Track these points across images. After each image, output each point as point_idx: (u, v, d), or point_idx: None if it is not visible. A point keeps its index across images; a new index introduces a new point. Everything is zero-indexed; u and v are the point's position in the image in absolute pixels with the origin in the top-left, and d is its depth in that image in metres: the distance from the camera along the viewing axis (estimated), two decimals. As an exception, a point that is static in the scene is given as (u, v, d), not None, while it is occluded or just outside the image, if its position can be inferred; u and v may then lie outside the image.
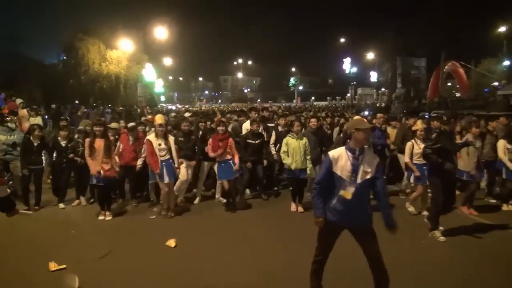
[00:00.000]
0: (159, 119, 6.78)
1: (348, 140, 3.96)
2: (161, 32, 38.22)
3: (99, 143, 6.60)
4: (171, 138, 6.81)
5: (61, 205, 7.47)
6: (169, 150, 6.66)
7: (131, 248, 5.41)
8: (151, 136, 6.64)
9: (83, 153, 6.94)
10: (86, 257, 5.01)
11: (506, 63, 37.29)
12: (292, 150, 6.97)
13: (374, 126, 7.31)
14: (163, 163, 6.54)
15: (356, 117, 3.36)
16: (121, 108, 27.05)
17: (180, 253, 5.20)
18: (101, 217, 6.76)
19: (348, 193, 3.42)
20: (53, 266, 4.62)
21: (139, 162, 7.37)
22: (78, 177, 7.59)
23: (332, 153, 3.56)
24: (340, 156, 3.49)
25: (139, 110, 24.66)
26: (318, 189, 3.59)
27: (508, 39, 32.72)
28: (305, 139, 7.14)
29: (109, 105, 28.08)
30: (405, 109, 30.74)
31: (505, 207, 7.28)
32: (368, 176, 3.44)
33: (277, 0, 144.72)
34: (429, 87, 43.10)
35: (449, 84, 50.80)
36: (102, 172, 6.51)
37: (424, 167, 6.52)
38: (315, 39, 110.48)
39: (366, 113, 27.67)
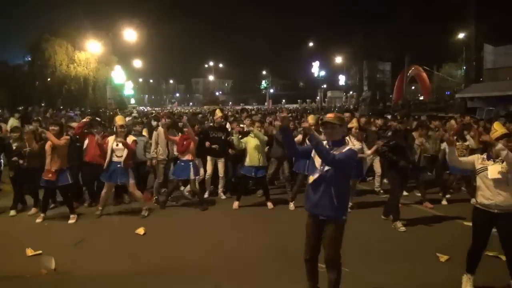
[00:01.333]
0: (119, 120, 6.77)
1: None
2: (130, 34, 37.83)
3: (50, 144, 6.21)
4: (130, 138, 6.64)
5: (12, 212, 6.78)
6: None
7: (103, 236, 5.82)
8: (111, 137, 6.65)
9: (29, 153, 6.65)
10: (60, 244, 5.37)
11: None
12: (250, 149, 7.13)
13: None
14: (118, 165, 6.42)
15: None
16: (89, 110, 26.76)
17: (148, 239, 5.68)
18: (38, 220, 6.35)
19: (312, 178, 3.48)
20: (29, 252, 4.97)
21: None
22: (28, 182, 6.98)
23: None
24: None
25: (110, 113, 24.49)
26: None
27: (466, 45, 34.46)
28: (265, 138, 7.35)
29: (77, 108, 27.68)
30: (371, 111, 31.96)
31: (444, 201, 7.61)
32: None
33: (248, 4, 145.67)
34: (394, 90, 44.79)
35: (413, 87, 52.93)
36: (46, 173, 6.16)
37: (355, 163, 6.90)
38: (286, 43, 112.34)
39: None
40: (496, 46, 32.70)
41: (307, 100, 61.45)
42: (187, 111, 37.37)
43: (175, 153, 7.49)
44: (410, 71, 43.85)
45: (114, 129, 6.86)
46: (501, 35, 32.33)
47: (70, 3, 60.85)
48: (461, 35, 35.13)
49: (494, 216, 3.86)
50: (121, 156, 6.40)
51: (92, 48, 35.15)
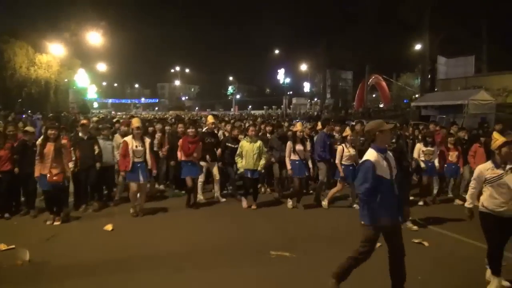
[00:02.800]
0: (136, 122, 7.13)
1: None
2: (94, 37, 37.36)
3: (50, 147, 6.36)
4: (147, 141, 7.12)
5: None
6: (144, 152, 6.96)
7: (75, 232, 6.23)
8: (128, 138, 6.94)
9: None
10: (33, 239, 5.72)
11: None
12: (246, 153, 7.62)
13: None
14: (138, 165, 6.83)
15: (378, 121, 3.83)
16: (51, 114, 26.19)
17: (118, 234, 6.12)
18: (48, 222, 6.52)
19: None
20: (2, 246, 5.29)
21: (71, 166, 7.10)
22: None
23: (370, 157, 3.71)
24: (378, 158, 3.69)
25: (73, 117, 24.09)
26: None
27: (421, 57, 36.44)
28: (259, 142, 7.82)
29: (38, 112, 26.97)
30: (333, 118, 33.14)
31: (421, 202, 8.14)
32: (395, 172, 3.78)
33: (215, 9, 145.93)
34: (355, 98, 46.47)
35: (374, 95, 55.09)
36: (50, 176, 6.27)
37: (351, 167, 7.47)
38: (253, 49, 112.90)
39: (297, 121, 29.57)
40: (448, 58, 34.88)
41: (273, 107, 62.41)
42: (151, 116, 37.20)
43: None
44: (370, 80, 45.75)
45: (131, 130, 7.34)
46: (453, 48, 34.59)
47: (30, 5, 58.92)
48: (417, 47, 37.14)
49: (504, 220, 4.05)
50: (140, 157, 6.89)
51: (54, 51, 34.41)
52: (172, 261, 4.96)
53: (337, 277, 3.80)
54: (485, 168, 4.21)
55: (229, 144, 8.46)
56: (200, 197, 8.21)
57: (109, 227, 6.24)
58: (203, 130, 9.13)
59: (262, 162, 7.74)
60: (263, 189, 9.35)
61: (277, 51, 54.69)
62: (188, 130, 7.86)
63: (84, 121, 8.22)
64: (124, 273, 4.64)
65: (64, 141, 6.73)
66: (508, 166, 4.04)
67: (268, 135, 9.86)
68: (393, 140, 6.62)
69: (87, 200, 7.60)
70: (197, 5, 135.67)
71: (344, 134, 7.83)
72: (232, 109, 66.43)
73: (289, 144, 7.78)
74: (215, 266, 4.88)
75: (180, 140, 7.82)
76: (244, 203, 7.77)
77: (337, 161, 7.64)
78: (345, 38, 40.56)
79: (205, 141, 8.17)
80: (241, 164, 7.67)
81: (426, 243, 5.67)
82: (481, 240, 4.53)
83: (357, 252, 3.73)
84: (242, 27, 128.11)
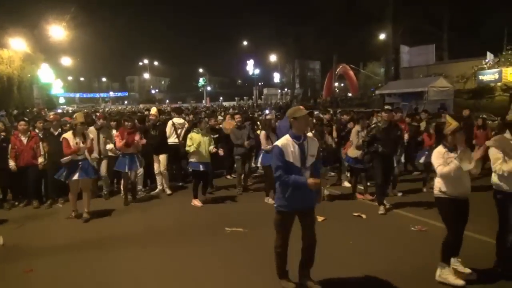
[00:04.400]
0: (79, 117, 6.71)
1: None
2: (57, 31, 36.31)
3: None
4: (90, 137, 6.86)
5: None
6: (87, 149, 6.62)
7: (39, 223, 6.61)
8: (67, 134, 6.50)
9: None
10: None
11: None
12: (197, 145, 7.23)
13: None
14: (80, 163, 6.47)
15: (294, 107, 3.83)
16: (16, 111, 25.59)
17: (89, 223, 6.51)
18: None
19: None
20: None
21: (41, 160, 7.44)
22: None
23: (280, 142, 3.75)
24: (287, 144, 3.71)
25: (36, 113, 23.63)
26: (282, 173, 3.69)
27: (385, 46, 37.54)
28: (209, 136, 7.57)
29: (2, 109, 26.21)
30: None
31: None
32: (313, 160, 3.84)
33: (183, 2, 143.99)
34: (324, 87, 47.37)
35: (342, 84, 56.29)
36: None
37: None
38: (222, 41, 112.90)
39: (267, 111, 30.05)
40: (411, 47, 36.14)
41: (245, 98, 62.71)
42: (120, 109, 36.83)
43: (110, 153, 8.00)
44: (338, 69, 46.72)
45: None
46: (415, 37, 35.87)
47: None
48: (381, 36, 38.23)
49: (461, 203, 4.05)
50: (81, 154, 6.57)
51: (15, 46, 33.29)
52: (139, 242, 5.54)
53: (278, 275, 3.98)
54: (441, 153, 4.13)
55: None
56: (168, 190, 8.36)
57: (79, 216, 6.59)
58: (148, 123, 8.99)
59: (211, 147, 7.45)
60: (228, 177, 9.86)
61: (245, 43, 54.84)
62: (126, 123, 7.69)
63: (54, 116, 8.26)
64: (94, 250, 5.24)
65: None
66: (459, 150, 4.04)
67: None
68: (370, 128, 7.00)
69: (54, 196, 7.68)
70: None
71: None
72: (203, 101, 66.23)
73: (263, 133, 7.60)
74: (175, 244, 5.44)
75: (118, 131, 7.75)
76: (197, 202, 7.43)
77: None
78: (312, 28, 41.25)
79: (149, 134, 8.21)
80: (192, 150, 7.25)
81: (364, 216, 6.44)
82: (432, 217, 5.20)
83: (274, 245, 3.90)
84: (211, 19, 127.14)
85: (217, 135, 8.56)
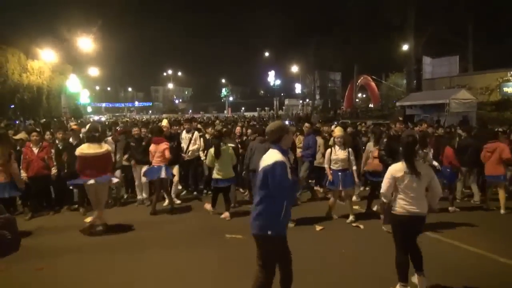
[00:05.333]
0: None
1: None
2: (86, 42, 37.77)
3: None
4: (106, 147, 6.51)
5: None
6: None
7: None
8: (84, 146, 6.33)
9: None
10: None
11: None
12: (218, 160, 7.14)
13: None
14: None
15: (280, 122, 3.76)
16: (43, 120, 26.62)
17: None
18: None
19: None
20: None
21: (54, 171, 7.63)
22: None
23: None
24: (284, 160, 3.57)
25: (66, 122, 24.49)
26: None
27: (407, 57, 37.11)
28: (230, 149, 7.33)
29: (30, 117, 27.32)
30: (322, 118, 33.79)
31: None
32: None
33: (207, 13, 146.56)
34: (345, 98, 47.11)
35: (363, 95, 55.81)
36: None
37: (339, 173, 6.86)
38: (244, 51, 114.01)
39: (286, 122, 30.18)
40: (433, 58, 35.62)
41: (266, 108, 62.98)
42: (143, 119, 37.73)
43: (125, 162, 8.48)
44: (359, 80, 46.43)
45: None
46: (437, 48, 35.38)
47: (21, 12, 59.28)
48: (404, 47, 37.85)
49: (415, 220, 4.09)
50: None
51: (45, 57, 34.78)
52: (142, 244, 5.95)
53: None
54: (398, 169, 4.16)
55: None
56: (177, 200, 8.55)
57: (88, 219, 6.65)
58: None
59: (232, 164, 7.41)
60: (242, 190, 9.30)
61: (267, 54, 55.36)
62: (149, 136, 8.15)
63: (75, 126, 8.46)
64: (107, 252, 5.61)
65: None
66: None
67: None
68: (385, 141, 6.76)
69: (70, 203, 8.09)
70: (190, 9, 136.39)
71: (334, 135, 7.21)
72: (225, 111, 66.92)
73: (328, 151, 7.16)
74: (177, 248, 5.80)
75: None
76: (209, 207, 7.40)
77: (326, 165, 7.10)
78: (333, 39, 41.26)
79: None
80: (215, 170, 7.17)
81: (361, 226, 6.65)
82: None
83: (262, 277, 3.42)
84: (234, 30, 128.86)
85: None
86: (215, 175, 7.17)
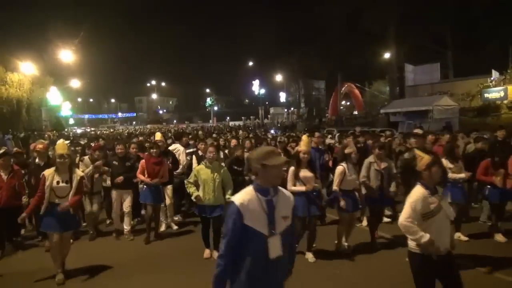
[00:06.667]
0: (60, 148, 5.10)
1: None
2: (66, 54, 37.14)
3: None
4: (78, 174, 5.21)
5: None
6: (72, 190, 5.02)
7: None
8: (49, 170, 5.06)
9: None
10: None
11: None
12: (203, 182, 5.57)
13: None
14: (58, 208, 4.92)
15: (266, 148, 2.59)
16: (23, 134, 25.96)
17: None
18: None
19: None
20: None
21: (24, 200, 6.09)
22: None
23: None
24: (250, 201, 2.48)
25: (46, 135, 23.94)
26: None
27: (389, 64, 37.66)
28: (223, 170, 5.75)
29: (10, 131, 26.60)
30: (308, 127, 33.87)
31: None
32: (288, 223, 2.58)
33: (190, 23, 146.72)
34: (330, 106, 47.49)
35: (348, 103, 56.35)
36: None
37: (351, 194, 5.67)
38: (228, 61, 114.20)
39: (272, 131, 30.11)
40: (415, 66, 36.24)
41: (251, 117, 62.97)
42: (127, 130, 37.21)
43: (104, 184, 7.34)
44: (343, 88, 46.88)
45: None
46: (419, 55, 36.04)
47: (0, 23, 58.11)
48: (385, 55, 38.39)
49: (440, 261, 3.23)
50: (65, 196, 4.98)
51: (25, 69, 34.07)
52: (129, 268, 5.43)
53: None
54: (422, 198, 3.25)
55: (235, 167, 6.86)
56: (173, 225, 7.48)
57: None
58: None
59: (229, 192, 5.59)
60: None
61: (251, 63, 55.52)
62: (152, 150, 6.83)
63: (40, 146, 6.82)
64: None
65: None
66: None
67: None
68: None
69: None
70: (172, 19, 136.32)
71: (347, 151, 5.71)
72: (210, 121, 66.66)
73: (292, 169, 5.57)
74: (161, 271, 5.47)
75: (142, 161, 6.85)
76: (207, 253, 5.90)
77: (335, 186, 5.63)
78: (316, 48, 41.64)
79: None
80: (196, 192, 5.60)
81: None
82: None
83: None
84: (217, 39, 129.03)
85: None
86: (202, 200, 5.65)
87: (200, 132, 14.40)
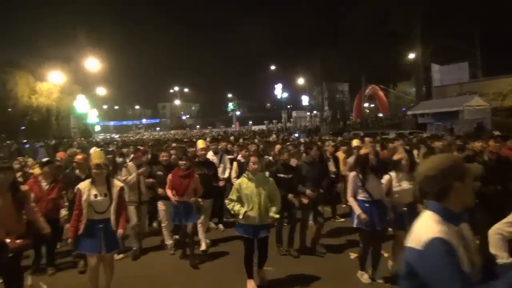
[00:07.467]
0: (95, 157, 4.54)
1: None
2: (93, 63, 38.16)
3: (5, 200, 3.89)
4: (117, 185, 4.53)
5: None
6: (112, 204, 4.37)
7: None
8: (83, 183, 4.43)
9: None
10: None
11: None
12: (247, 198, 4.76)
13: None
14: (100, 225, 4.27)
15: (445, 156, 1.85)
16: (54, 141, 26.64)
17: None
18: None
19: None
20: None
21: (64, 213, 5.58)
22: None
23: None
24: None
25: (74, 143, 24.45)
26: None
27: (415, 65, 36.90)
28: (270, 182, 4.95)
29: (40, 139, 27.38)
30: (332, 130, 33.54)
31: None
32: None
33: (211, 29, 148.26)
34: (353, 109, 46.87)
35: (372, 105, 55.50)
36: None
37: (404, 208, 4.75)
38: (250, 65, 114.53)
39: (297, 135, 29.89)
40: (442, 65, 35.33)
41: (274, 121, 62.83)
42: (152, 136, 37.77)
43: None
44: (367, 90, 46.22)
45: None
46: (446, 55, 35.06)
47: (30, 35, 60.32)
48: (411, 56, 37.62)
49: None
50: (104, 212, 4.34)
51: (54, 79, 35.14)
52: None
53: None
54: None
55: (282, 175, 5.82)
56: (202, 244, 6.27)
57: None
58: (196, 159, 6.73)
59: (274, 209, 4.81)
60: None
61: (273, 67, 55.50)
62: (180, 162, 5.87)
63: (79, 157, 6.22)
64: None
65: (25, 188, 4.40)
66: None
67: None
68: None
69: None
70: (194, 26, 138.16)
71: (396, 157, 5.06)
72: (233, 125, 66.95)
73: (352, 175, 5.00)
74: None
75: (170, 175, 5.87)
76: (252, 285, 4.83)
77: (372, 197, 4.86)
78: (339, 50, 41.26)
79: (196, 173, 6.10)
80: (242, 209, 4.73)
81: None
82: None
83: None
84: (239, 43, 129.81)
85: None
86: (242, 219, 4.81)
87: (232, 137, 13.66)
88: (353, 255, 5.84)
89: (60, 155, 7.73)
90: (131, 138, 40.42)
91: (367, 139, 7.31)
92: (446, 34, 33.12)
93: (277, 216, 4.78)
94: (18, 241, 3.98)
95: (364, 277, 4.94)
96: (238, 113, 79.48)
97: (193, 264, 5.63)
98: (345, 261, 5.79)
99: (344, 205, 8.34)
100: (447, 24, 32.99)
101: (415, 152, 7.42)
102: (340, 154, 8.31)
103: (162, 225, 6.41)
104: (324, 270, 5.36)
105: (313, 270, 5.37)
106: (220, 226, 7.54)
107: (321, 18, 51.72)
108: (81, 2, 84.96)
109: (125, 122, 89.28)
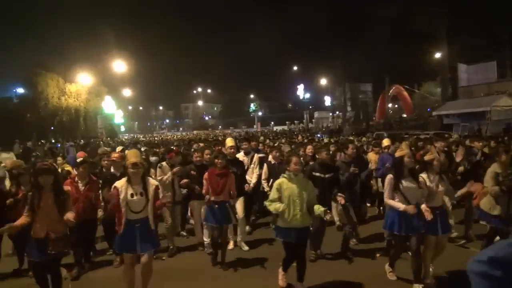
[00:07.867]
0: (132, 156, 4.45)
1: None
2: (119, 65, 39.22)
3: (47, 199, 4.05)
4: (153, 183, 4.45)
5: None
6: (149, 203, 4.29)
7: None
8: (120, 182, 4.32)
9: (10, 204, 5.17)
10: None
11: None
12: (288, 199, 4.48)
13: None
14: (137, 225, 4.21)
15: None
16: (82, 141, 27.51)
17: None
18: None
19: None
20: None
21: (100, 213, 5.73)
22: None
23: None
24: None
25: (100, 142, 25.19)
26: None
27: (441, 65, 36.28)
28: (309, 184, 4.76)
29: (69, 139, 28.28)
30: (355, 130, 33.31)
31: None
32: None
33: (233, 31, 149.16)
34: (377, 109, 46.35)
35: (396, 105, 54.76)
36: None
37: (437, 211, 4.59)
38: (272, 65, 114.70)
39: (319, 135, 29.89)
40: (469, 65, 34.61)
41: (295, 122, 62.78)
42: (175, 137, 38.40)
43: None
44: (391, 91, 45.60)
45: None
46: (472, 54, 34.37)
47: (59, 39, 62.29)
48: (436, 55, 36.99)
49: None
50: (140, 212, 4.24)
51: (82, 80, 36.28)
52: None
53: None
54: None
55: (317, 174, 5.59)
56: (244, 245, 6.33)
57: None
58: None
59: (317, 206, 4.51)
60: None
61: (295, 67, 55.52)
62: (216, 161, 5.66)
63: (116, 155, 6.21)
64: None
65: (67, 188, 4.47)
66: None
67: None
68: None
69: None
70: (217, 27, 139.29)
71: (427, 158, 4.79)
72: (255, 126, 67.21)
73: (389, 178, 4.75)
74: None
75: (206, 174, 5.68)
76: (281, 279, 4.79)
77: (408, 201, 4.53)
78: (361, 50, 40.97)
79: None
80: (282, 207, 4.43)
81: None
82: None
83: None
84: (261, 45, 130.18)
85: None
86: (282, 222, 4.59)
87: (261, 137, 13.00)
88: (378, 255, 5.82)
89: (80, 154, 7.76)
90: (155, 138, 41.22)
91: (404, 142, 6.81)
92: (473, 33, 32.56)
93: (323, 208, 4.44)
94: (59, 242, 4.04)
95: (390, 274, 4.95)
96: (260, 113, 79.67)
97: (225, 266, 5.59)
98: (376, 264, 5.51)
99: (369, 205, 8.45)
100: (474, 22, 32.40)
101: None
102: (372, 155, 8.12)
103: (195, 224, 6.47)
104: (358, 275, 5.19)
105: (350, 276, 5.19)
106: (247, 227, 7.30)
107: (344, 18, 51.31)
108: (108, 9, 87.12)
109: (148, 123, 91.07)
